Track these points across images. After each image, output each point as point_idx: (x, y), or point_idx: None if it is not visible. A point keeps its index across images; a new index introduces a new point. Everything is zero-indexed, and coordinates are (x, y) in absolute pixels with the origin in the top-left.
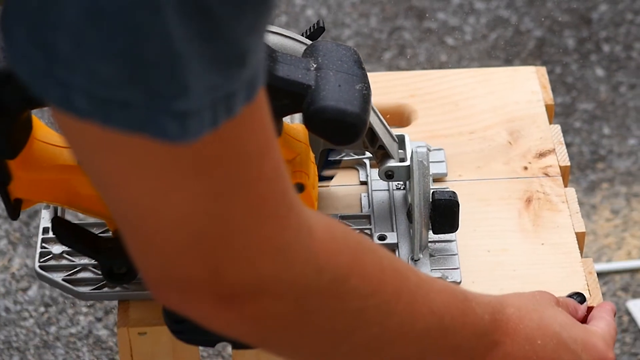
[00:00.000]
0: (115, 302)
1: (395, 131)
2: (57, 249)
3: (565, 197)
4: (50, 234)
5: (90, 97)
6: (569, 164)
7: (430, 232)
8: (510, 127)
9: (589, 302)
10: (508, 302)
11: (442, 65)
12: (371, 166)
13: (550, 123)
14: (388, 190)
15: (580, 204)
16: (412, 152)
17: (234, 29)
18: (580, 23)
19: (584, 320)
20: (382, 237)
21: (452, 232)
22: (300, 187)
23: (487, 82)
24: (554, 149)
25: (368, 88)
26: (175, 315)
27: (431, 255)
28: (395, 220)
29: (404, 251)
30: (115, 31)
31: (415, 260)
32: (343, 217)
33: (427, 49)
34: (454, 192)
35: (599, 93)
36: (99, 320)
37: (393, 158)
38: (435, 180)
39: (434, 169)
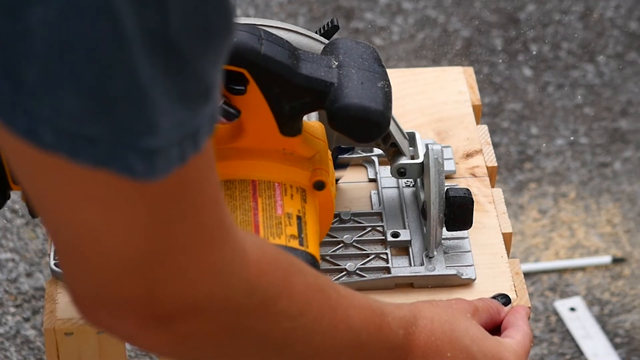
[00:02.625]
0: (43, 303)
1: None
2: None
3: (492, 197)
4: None
5: (56, 131)
6: (496, 164)
7: (443, 229)
8: (437, 128)
9: (515, 303)
10: (421, 314)
11: None
12: (380, 163)
13: (478, 123)
14: (397, 187)
15: (508, 204)
16: (427, 149)
17: (201, 64)
18: (507, 23)
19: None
20: (395, 234)
21: (466, 229)
22: (321, 185)
23: (415, 82)
24: (481, 150)
25: (389, 85)
26: None
27: (445, 253)
28: (406, 217)
29: (416, 248)
30: (82, 65)
31: (430, 257)
32: (355, 215)
33: None
34: (467, 189)
35: (527, 93)
36: (26, 320)
37: (405, 155)
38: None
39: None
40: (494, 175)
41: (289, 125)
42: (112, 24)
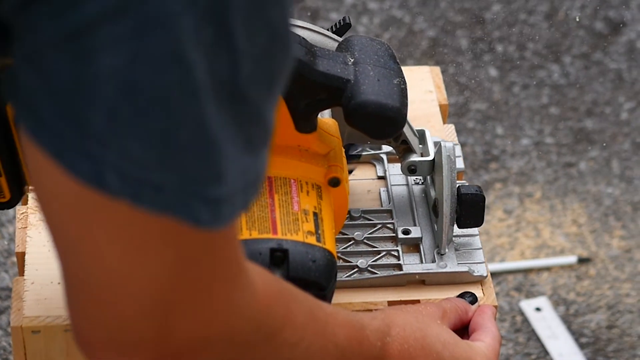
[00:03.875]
0: (8, 303)
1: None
2: None
3: None
4: None
5: (122, 176)
6: (462, 165)
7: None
8: None
9: (482, 302)
10: (394, 322)
11: None
12: (388, 161)
13: (444, 123)
14: (407, 185)
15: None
16: (439, 146)
17: (265, 109)
18: (473, 23)
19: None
20: (406, 232)
21: (478, 227)
22: (336, 182)
23: None
24: None
25: (404, 82)
26: None
27: (456, 250)
28: (416, 214)
29: (427, 245)
30: (150, 112)
31: (442, 255)
32: (365, 212)
33: None
34: (479, 187)
35: (493, 93)
36: None
37: (415, 153)
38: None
39: None
40: (460, 175)
41: (305, 121)
42: (183, 73)
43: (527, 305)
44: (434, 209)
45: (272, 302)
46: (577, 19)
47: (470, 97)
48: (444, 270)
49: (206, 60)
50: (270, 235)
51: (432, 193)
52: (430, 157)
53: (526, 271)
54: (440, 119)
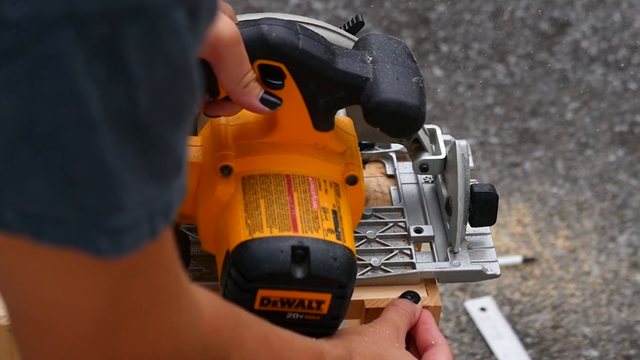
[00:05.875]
0: None
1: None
2: None
3: None
4: None
5: (20, 214)
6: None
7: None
8: None
9: (426, 302)
10: (356, 351)
11: None
12: (397, 159)
13: None
14: (417, 183)
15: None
16: (452, 145)
17: (171, 140)
18: (418, 23)
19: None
20: (418, 230)
21: (490, 225)
22: (354, 180)
23: None
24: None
25: (423, 81)
26: (241, 305)
27: (469, 248)
28: (427, 212)
29: (439, 243)
30: (47, 150)
31: (455, 253)
32: (376, 210)
33: None
34: (492, 185)
35: (437, 93)
36: None
37: (427, 151)
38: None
39: None
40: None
41: (323, 120)
42: (78, 109)
43: (472, 305)
44: (446, 208)
45: (220, 325)
46: (522, 19)
47: None
48: (457, 269)
49: (101, 94)
50: (291, 233)
51: (444, 191)
52: (442, 156)
53: None
54: None
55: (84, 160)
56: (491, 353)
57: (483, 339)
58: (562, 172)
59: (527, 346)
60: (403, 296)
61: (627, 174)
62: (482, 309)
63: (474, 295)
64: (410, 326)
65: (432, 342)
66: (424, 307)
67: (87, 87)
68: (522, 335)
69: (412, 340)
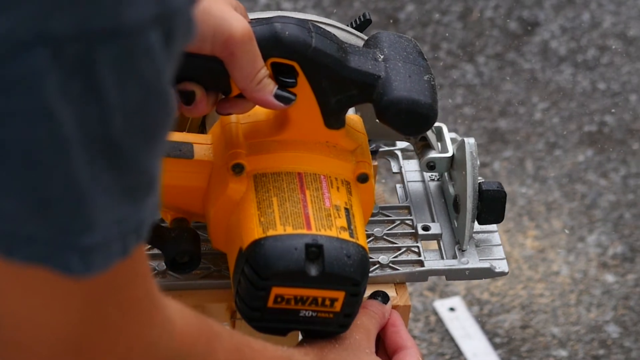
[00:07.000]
0: None
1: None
2: None
3: None
4: None
5: None
6: (376, 163)
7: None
8: None
9: (395, 302)
10: (327, 358)
11: None
12: (403, 157)
13: None
14: (423, 181)
15: (388, 203)
16: (460, 143)
17: (144, 159)
18: (387, 23)
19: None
20: (426, 228)
21: (498, 223)
22: (365, 178)
23: None
24: None
25: (434, 79)
26: (254, 303)
27: (476, 246)
28: (434, 210)
29: (446, 241)
30: (18, 168)
31: (463, 251)
32: (383, 208)
33: None
34: (500, 183)
35: None
36: None
37: (434, 149)
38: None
39: None
40: (374, 175)
41: (334, 118)
42: (51, 129)
43: (441, 305)
44: (454, 205)
45: (192, 339)
46: (491, 19)
47: None
48: (466, 266)
49: (75, 114)
50: (305, 231)
51: (451, 189)
52: (450, 154)
53: None
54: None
55: (57, 180)
56: (460, 353)
57: (452, 339)
58: (531, 172)
59: (496, 346)
60: (372, 296)
61: (596, 174)
62: (451, 309)
63: (443, 295)
64: (380, 328)
65: (401, 345)
66: (393, 306)
67: (60, 106)
68: (491, 335)
69: (382, 343)
